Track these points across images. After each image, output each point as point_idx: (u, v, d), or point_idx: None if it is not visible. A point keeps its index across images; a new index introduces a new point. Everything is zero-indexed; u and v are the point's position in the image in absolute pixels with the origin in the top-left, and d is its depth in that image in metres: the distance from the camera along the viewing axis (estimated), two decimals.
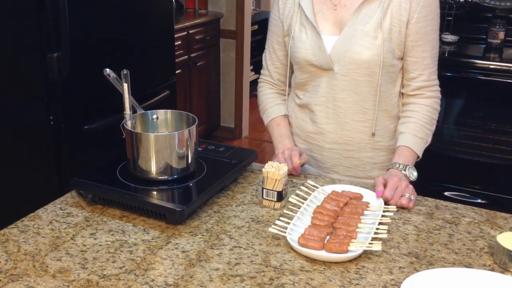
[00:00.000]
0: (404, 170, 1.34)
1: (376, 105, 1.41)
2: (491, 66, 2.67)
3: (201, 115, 3.86)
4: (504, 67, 2.67)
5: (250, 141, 4.31)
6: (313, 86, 1.46)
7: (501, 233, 1.07)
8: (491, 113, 2.72)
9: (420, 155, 1.41)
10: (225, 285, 0.98)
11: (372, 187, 1.32)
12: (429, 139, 1.44)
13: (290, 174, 1.40)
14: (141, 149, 1.22)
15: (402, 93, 1.46)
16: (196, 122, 1.27)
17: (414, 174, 1.36)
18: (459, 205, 1.29)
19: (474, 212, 1.25)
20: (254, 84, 5.03)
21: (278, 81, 1.59)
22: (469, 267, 1.03)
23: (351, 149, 1.47)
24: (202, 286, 0.98)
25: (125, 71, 1.20)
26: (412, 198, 1.26)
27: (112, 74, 1.29)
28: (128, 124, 1.23)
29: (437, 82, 1.44)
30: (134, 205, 1.18)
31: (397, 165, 1.35)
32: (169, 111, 1.33)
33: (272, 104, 1.58)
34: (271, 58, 1.57)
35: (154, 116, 1.32)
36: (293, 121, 1.55)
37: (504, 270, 1.03)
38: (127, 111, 1.22)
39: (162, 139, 1.22)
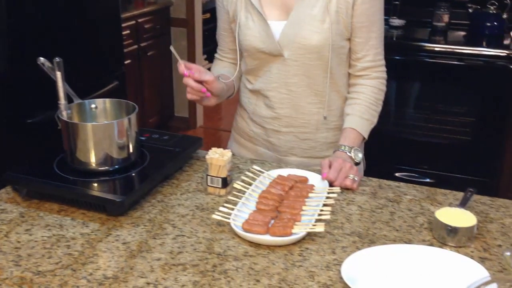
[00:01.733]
0: (350, 152, 1.35)
1: (327, 86, 1.41)
2: (437, 49, 2.74)
3: (154, 105, 3.79)
4: (449, 49, 2.74)
5: (205, 130, 4.27)
6: (265, 72, 1.45)
7: (439, 209, 1.09)
8: (438, 94, 2.80)
9: (366, 137, 1.42)
10: (166, 274, 0.96)
11: (318, 171, 1.32)
12: (375, 120, 1.45)
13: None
14: (79, 140, 1.17)
15: (349, 73, 1.46)
16: (136, 110, 1.23)
17: (359, 156, 1.37)
18: (401, 183, 1.31)
19: (415, 189, 1.27)
20: None
21: (233, 60, 1.54)
22: (409, 243, 1.05)
23: (307, 132, 1.47)
24: (142, 277, 0.95)
25: (57, 59, 1.15)
26: (355, 179, 1.27)
27: (47, 63, 1.23)
28: (64, 114, 1.18)
29: (383, 62, 1.45)
30: (72, 198, 1.14)
31: (343, 147, 1.36)
32: (107, 100, 1.28)
33: (221, 72, 1.51)
34: (221, 44, 1.55)
35: (93, 106, 1.28)
36: (247, 106, 1.53)
37: (442, 244, 1.05)
38: (62, 100, 1.17)
39: (101, 129, 1.18)
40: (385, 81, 1.47)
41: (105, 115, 1.29)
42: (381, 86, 1.46)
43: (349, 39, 1.40)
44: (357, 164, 1.35)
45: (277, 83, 1.43)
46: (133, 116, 1.21)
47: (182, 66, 1.27)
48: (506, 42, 2.83)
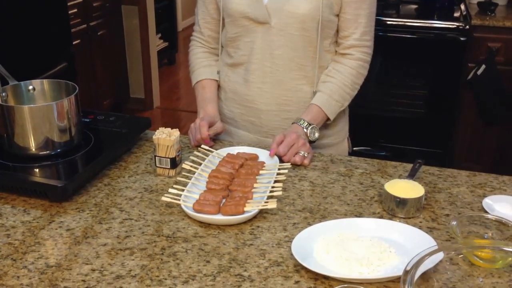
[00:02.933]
0: (306, 129, 1.31)
1: (316, 62, 1.34)
2: (389, 22, 2.75)
3: (107, 87, 3.67)
4: (400, 23, 2.76)
5: (163, 111, 4.19)
6: (246, 43, 1.37)
7: (389, 181, 1.10)
8: (391, 68, 2.82)
9: (331, 118, 1.37)
10: (113, 260, 0.93)
11: (269, 148, 1.30)
12: (346, 103, 1.39)
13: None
14: (16, 124, 1.11)
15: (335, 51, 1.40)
16: (77, 90, 1.17)
17: (315, 135, 1.32)
18: (353, 157, 1.31)
19: (366, 163, 1.28)
20: (163, 52, 4.91)
21: (209, 37, 1.47)
22: (359, 217, 1.05)
23: (289, 110, 1.38)
24: (87, 263, 0.92)
25: None
26: (306, 155, 1.26)
27: None
28: None
29: (369, 44, 1.38)
30: (12, 185, 1.09)
31: (301, 122, 1.32)
32: (45, 80, 1.22)
33: (200, 65, 1.47)
34: (202, 12, 1.45)
35: (30, 87, 1.21)
36: (226, 85, 1.45)
37: (392, 216, 1.06)
38: None
39: (39, 111, 1.12)
40: (367, 64, 1.40)
41: (44, 97, 1.22)
42: (362, 69, 1.39)
43: (337, 15, 1.34)
44: (311, 142, 1.32)
45: (260, 55, 1.35)
46: (73, 97, 1.15)
47: (199, 137, 1.31)
48: (456, 14, 2.88)
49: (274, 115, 1.40)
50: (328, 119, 1.37)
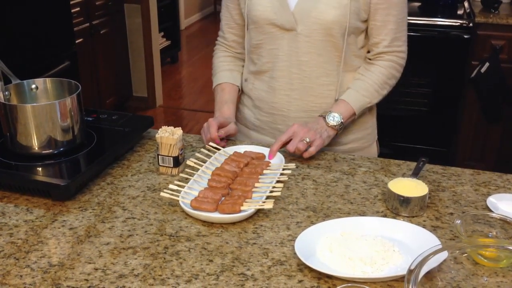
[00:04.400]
0: (327, 115, 1.29)
1: (340, 67, 1.32)
2: None
3: (110, 86, 3.68)
4: None
5: (166, 110, 4.19)
6: (269, 50, 1.34)
7: (392, 179, 1.09)
8: None
9: (357, 112, 1.33)
10: (115, 259, 0.92)
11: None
12: (374, 101, 1.36)
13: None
14: (18, 123, 1.11)
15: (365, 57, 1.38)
16: (80, 89, 1.17)
17: (335, 119, 1.28)
18: (356, 156, 1.30)
19: (370, 161, 1.27)
20: (165, 51, 4.90)
21: (233, 42, 1.45)
22: (363, 215, 1.05)
23: (317, 116, 1.34)
24: (90, 263, 0.91)
25: None
26: (307, 140, 1.23)
27: None
28: (0, 96, 1.11)
29: (401, 49, 1.35)
30: (15, 184, 1.09)
31: (323, 112, 1.30)
32: (48, 79, 1.22)
33: (222, 68, 1.45)
34: (226, 17, 1.43)
35: (33, 86, 1.21)
36: (252, 93, 1.42)
37: (395, 215, 1.05)
38: None
39: (41, 110, 1.12)
40: (400, 68, 1.37)
41: (46, 96, 1.22)
42: (393, 70, 1.36)
43: (365, 21, 1.32)
44: (332, 128, 1.29)
45: (287, 62, 1.33)
46: (76, 96, 1.15)
47: (209, 137, 1.29)
48: (460, 12, 2.86)
49: (302, 121, 1.35)
50: (354, 113, 1.33)
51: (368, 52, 1.38)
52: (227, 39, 1.46)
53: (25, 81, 1.20)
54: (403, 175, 1.19)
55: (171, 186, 1.08)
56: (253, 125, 1.45)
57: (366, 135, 1.45)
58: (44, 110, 1.11)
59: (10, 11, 2.24)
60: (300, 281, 0.87)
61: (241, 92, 1.48)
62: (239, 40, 1.45)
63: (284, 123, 1.39)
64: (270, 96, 1.38)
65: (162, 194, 1.06)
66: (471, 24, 2.64)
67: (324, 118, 1.29)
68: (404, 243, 0.95)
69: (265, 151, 1.28)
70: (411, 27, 2.72)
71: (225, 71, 1.45)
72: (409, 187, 1.05)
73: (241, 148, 1.29)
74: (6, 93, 1.14)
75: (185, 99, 4.48)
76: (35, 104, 1.17)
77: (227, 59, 1.47)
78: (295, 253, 0.91)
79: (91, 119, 1.31)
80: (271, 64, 1.35)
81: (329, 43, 1.30)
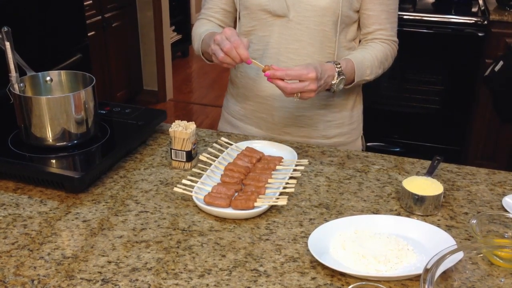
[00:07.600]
0: (338, 74, 1.21)
1: (334, 58, 1.30)
2: (405, 17, 2.71)
3: (121, 79, 3.68)
4: (417, 17, 2.72)
5: (176, 104, 4.19)
6: (261, 37, 1.33)
7: (407, 178, 1.08)
8: (407, 63, 2.78)
9: (356, 81, 1.27)
10: (128, 252, 0.93)
11: (291, 144, 1.28)
12: (372, 77, 1.31)
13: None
14: (33, 115, 1.11)
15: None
16: (94, 82, 1.17)
17: (340, 86, 1.23)
18: (369, 153, 1.30)
19: (383, 159, 1.26)
20: (176, 45, 4.90)
21: (222, 22, 1.40)
22: (376, 213, 1.04)
23: (303, 107, 1.34)
24: (103, 255, 0.92)
25: (5, 28, 1.07)
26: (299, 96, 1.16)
27: None
28: (16, 88, 1.12)
29: (394, 39, 1.34)
30: (29, 176, 1.09)
31: (338, 65, 1.22)
32: (63, 71, 1.22)
33: (203, 28, 1.36)
34: (210, 2, 1.39)
35: (48, 78, 1.21)
36: (238, 80, 1.41)
37: (409, 213, 1.04)
38: (13, 73, 1.10)
39: (56, 102, 1.12)
40: (393, 54, 1.35)
41: (61, 88, 1.22)
42: (389, 51, 1.34)
43: (357, 12, 1.31)
44: (328, 90, 1.24)
45: (276, 49, 1.31)
46: (90, 88, 1.15)
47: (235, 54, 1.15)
48: (474, 9, 2.83)
49: (287, 112, 1.36)
50: (350, 84, 1.28)
51: (360, 42, 1.36)
52: (215, 18, 1.40)
53: (40, 73, 1.20)
54: (417, 174, 1.18)
55: (184, 181, 1.08)
56: (239, 114, 1.44)
57: (351, 130, 1.44)
58: (59, 103, 1.12)
59: (24, 3, 2.24)
60: (313, 278, 0.87)
61: (229, 80, 1.46)
62: (227, 21, 1.40)
63: (268, 112, 1.37)
64: (256, 84, 1.36)
65: (175, 189, 1.06)
66: (485, 22, 2.61)
67: (332, 85, 1.22)
68: (418, 242, 0.94)
69: (277, 146, 1.27)
70: (424, 23, 2.71)
71: (207, 30, 1.36)
72: (424, 185, 1.05)
73: (253, 144, 1.28)
74: (21, 85, 1.14)
75: (195, 93, 4.47)
76: (50, 96, 1.17)
77: (210, 24, 1.40)
78: (308, 250, 0.91)
79: (104, 112, 1.32)
80: (261, 52, 1.33)
81: (322, 32, 1.28)
